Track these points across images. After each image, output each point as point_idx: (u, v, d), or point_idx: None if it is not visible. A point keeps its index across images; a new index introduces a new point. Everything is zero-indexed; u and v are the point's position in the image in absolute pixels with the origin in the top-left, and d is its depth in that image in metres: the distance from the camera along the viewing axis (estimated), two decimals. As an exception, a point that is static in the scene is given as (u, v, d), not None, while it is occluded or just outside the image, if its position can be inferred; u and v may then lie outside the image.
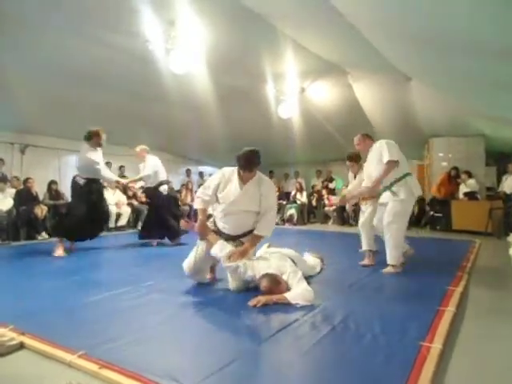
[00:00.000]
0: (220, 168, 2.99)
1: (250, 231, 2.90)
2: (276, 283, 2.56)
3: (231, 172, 2.88)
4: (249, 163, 2.73)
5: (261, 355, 1.77)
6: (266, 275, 2.60)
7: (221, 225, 2.95)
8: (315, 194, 9.35)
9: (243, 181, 2.81)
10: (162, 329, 2.09)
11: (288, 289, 2.58)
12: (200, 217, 2.90)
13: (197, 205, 2.96)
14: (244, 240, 2.91)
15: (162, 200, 5.25)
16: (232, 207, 2.85)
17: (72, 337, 1.91)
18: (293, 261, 2.96)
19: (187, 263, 2.94)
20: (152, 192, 5.28)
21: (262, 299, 2.44)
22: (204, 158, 11.55)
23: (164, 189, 5.31)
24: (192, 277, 2.98)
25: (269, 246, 3.60)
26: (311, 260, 3.48)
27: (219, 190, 2.86)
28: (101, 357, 1.67)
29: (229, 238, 2.90)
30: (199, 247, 2.94)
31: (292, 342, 1.91)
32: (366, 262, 3.85)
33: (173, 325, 2.16)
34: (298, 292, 2.50)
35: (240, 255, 2.71)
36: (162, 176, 5.30)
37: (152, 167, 5.16)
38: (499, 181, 7.57)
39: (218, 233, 2.94)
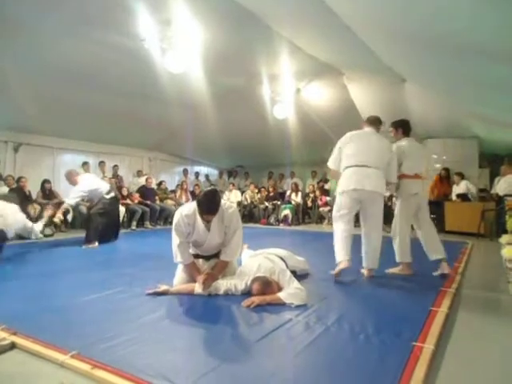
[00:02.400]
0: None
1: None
2: (267, 285, 2.56)
3: (192, 214, 2.76)
4: (211, 209, 2.65)
5: (254, 355, 1.77)
6: (257, 278, 2.60)
7: (192, 249, 2.97)
8: (310, 195, 9.37)
9: (207, 221, 2.75)
10: (154, 328, 2.08)
11: (279, 289, 2.59)
12: (193, 273, 2.78)
13: (180, 260, 2.77)
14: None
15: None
16: (201, 246, 2.89)
17: (64, 337, 1.90)
18: (281, 258, 2.97)
19: (177, 282, 2.88)
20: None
21: (255, 300, 2.44)
22: (200, 158, 11.53)
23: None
24: None
25: (248, 247, 3.63)
26: (298, 257, 3.49)
27: (187, 236, 2.81)
28: (93, 357, 1.66)
29: (207, 257, 2.96)
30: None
31: (285, 343, 1.91)
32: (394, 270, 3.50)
33: (166, 325, 2.15)
34: (291, 292, 2.50)
35: (211, 279, 2.69)
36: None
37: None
38: (492, 182, 7.64)
39: (194, 256, 2.95)
